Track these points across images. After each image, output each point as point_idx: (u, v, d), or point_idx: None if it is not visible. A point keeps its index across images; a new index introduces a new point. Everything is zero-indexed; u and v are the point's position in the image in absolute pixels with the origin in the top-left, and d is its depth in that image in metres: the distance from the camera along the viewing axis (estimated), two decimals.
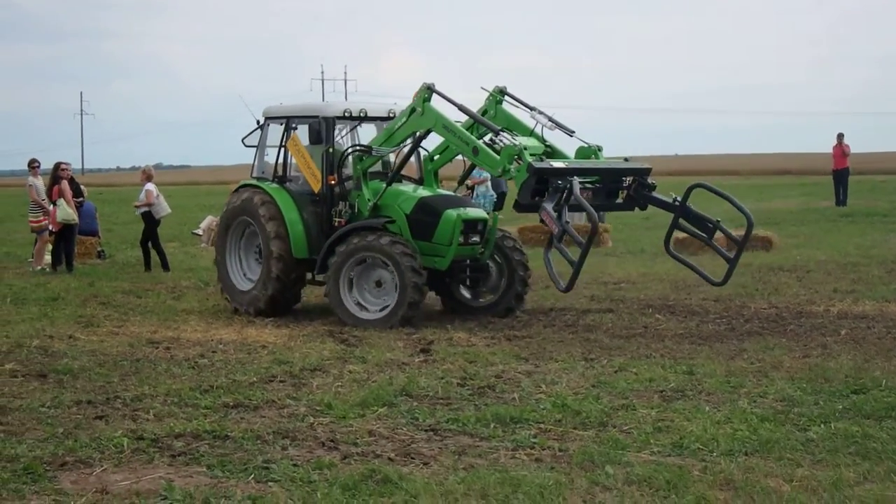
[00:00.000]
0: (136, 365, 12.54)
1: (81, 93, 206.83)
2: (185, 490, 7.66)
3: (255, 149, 17.66)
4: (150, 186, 23.78)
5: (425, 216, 15.61)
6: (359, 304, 15.56)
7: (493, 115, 16.08)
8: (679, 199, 15.24)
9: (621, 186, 15.42)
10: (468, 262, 15.98)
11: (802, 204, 40.18)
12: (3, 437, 9.22)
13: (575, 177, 14.25)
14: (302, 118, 16.87)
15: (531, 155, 14.69)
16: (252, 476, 8.03)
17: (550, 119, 15.64)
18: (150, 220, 23.66)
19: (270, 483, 7.86)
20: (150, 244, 23.71)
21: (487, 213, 16.66)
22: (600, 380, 11.33)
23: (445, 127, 15.54)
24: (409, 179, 17.03)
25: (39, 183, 23.55)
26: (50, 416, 10.00)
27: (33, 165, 24.11)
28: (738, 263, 15.32)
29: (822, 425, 9.22)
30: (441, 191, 16.71)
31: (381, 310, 15.38)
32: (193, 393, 10.92)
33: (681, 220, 15.34)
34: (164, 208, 24.12)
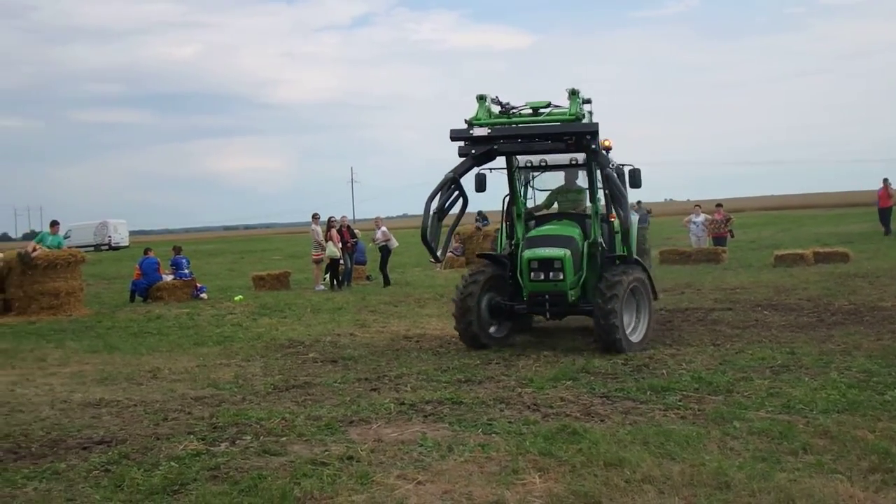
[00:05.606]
0: (397, 353, 12.74)
1: (351, 167, 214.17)
2: (434, 439, 7.72)
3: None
4: (384, 229, 24.87)
5: (518, 254, 12.78)
6: None
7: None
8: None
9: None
10: (547, 296, 12.29)
11: (869, 228, 37.97)
12: (311, 403, 9.49)
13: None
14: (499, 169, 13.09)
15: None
16: (480, 429, 8.02)
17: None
18: (387, 251, 24.78)
19: (493, 434, 7.84)
20: (385, 268, 24.48)
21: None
22: (725, 359, 10.97)
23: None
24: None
25: (318, 229, 24.38)
26: (340, 389, 10.23)
27: (314, 216, 24.97)
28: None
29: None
30: (569, 227, 12.75)
31: None
32: (436, 372, 11.00)
33: None
34: (394, 242, 25.31)
